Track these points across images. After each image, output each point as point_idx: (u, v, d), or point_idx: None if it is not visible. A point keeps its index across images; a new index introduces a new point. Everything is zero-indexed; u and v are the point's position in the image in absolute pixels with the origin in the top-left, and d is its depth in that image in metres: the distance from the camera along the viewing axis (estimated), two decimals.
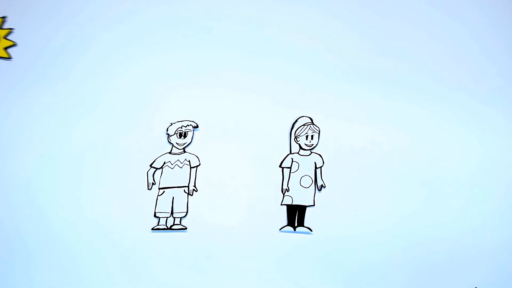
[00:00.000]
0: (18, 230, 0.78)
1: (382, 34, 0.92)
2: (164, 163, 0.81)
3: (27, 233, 0.77)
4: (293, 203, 0.77)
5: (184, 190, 0.79)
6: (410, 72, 0.88)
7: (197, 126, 0.83)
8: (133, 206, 0.78)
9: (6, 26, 0.91)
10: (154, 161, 0.81)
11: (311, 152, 0.81)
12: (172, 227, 0.77)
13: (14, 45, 0.90)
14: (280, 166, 0.80)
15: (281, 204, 0.77)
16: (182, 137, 0.82)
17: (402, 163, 0.79)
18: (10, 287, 0.74)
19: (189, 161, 0.81)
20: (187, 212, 0.77)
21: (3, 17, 0.90)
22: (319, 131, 0.82)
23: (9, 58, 0.89)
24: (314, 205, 0.77)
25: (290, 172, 0.79)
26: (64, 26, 0.94)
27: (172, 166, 0.80)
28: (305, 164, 0.80)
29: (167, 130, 0.83)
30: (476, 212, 0.76)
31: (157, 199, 0.78)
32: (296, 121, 0.83)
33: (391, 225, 0.75)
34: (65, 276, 0.74)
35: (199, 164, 0.80)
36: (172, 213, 0.77)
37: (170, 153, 0.81)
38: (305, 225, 0.76)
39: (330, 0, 0.95)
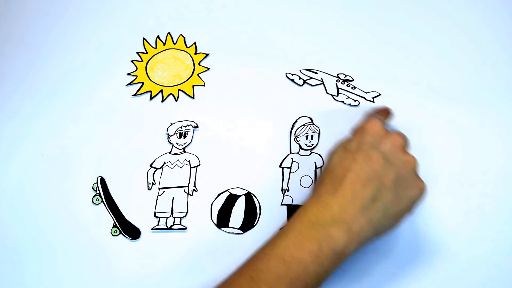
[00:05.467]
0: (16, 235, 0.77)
1: (382, 34, 0.92)
2: (164, 163, 0.81)
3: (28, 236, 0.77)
4: (293, 203, 0.77)
5: (184, 190, 0.79)
6: (410, 72, 0.88)
7: (197, 126, 0.83)
8: (133, 206, 0.78)
9: None
10: (154, 161, 0.81)
11: (311, 152, 0.81)
12: (172, 227, 0.76)
13: None
14: (280, 166, 0.80)
15: (281, 204, 0.77)
16: (182, 137, 0.82)
17: None
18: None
19: (189, 161, 0.81)
20: (187, 212, 0.77)
21: None
22: (319, 131, 0.82)
23: None
24: None
25: (290, 172, 0.79)
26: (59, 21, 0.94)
27: (172, 166, 0.80)
28: (305, 164, 0.80)
29: (167, 130, 0.83)
30: (478, 210, 0.76)
31: (157, 199, 0.78)
32: (296, 121, 0.83)
33: None
34: (64, 276, 0.74)
35: (199, 164, 0.80)
36: (172, 213, 0.77)
37: (170, 153, 0.82)
38: None
39: (331, 0, 0.95)
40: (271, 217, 0.77)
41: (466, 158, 0.80)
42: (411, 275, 0.72)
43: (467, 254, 0.73)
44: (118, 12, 0.95)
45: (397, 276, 0.72)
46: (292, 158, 0.80)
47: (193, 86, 0.87)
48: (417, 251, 0.73)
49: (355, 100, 0.84)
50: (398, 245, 0.73)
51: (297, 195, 0.78)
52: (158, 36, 0.92)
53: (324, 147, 0.81)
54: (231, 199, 0.77)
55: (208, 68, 0.88)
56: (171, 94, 0.86)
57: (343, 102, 0.85)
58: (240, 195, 0.78)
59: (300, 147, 0.81)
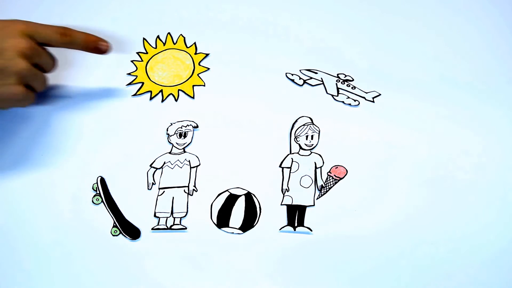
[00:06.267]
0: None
1: (383, 32, 0.92)
2: (164, 163, 0.81)
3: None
4: (293, 203, 0.77)
5: (184, 190, 0.79)
6: (411, 72, 0.88)
7: (197, 126, 0.83)
8: (133, 206, 0.78)
9: None
10: (154, 161, 0.81)
11: (311, 152, 0.81)
12: (172, 227, 0.76)
13: None
14: (280, 166, 0.80)
15: (281, 204, 0.77)
16: (182, 137, 0.82)
17: (403, 163, 0.79)
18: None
19: (189, 161, 0.81)
20: (187, 212, 0.77)
21: None
22: (319, 131, 0.82)
23: None
24: (314, 205, 0.77)
25: (290, 172, 0.79)
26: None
27: (172, 166, 0.80)
28: (305, 164, 0.80)
29: (167, 130, 0.83)
30: (481, 212, 0.76)
31: (157, 199, 0.78)
32: (296, 121, 0.83)
33: (391, 225, 0.75)
34: (63, 276, 0.74)
35: (199, 164, 0.80)
36: (172, 213, 0.77)
37: (170, 153, 0.82)
38: (305, 225, 0.76)
39: (331, 0, 0.95)
40: (271, 217, 0.77)
41: (466, 157, 0.80)
42: (413, 276, 0.72)
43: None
44: (118, 12, 0.95)
45: (398, 276, 0.72)
46: (292, 158, 0.80)
47: (193, 86, 0.87)
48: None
49: (355, 100, 0.84)
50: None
51: (297, 195, 0.78)
52: (158, 36, 0.92)
53: (324, 147, 0.81)
54: (231, 199, 0.77)
55: (208, 68, 0.88)
56: (171, 94, 0.86)
57: (343, 102, 0.85)
58: (240, 195, 0.78)
59: (300, 147, 0.81)
